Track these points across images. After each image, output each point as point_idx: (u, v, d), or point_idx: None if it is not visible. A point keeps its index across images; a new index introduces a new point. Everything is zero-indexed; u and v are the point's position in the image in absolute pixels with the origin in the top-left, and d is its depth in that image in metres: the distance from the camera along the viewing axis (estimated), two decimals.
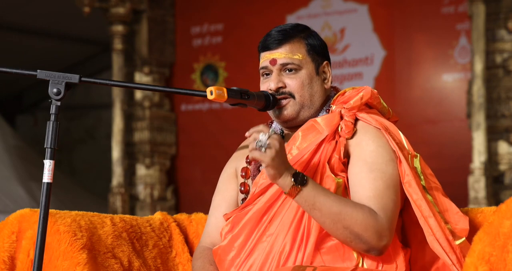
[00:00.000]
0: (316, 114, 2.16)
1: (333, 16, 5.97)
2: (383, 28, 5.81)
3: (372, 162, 2.01)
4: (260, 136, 1.89)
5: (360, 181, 2.00)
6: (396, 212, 2.00)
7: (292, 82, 2.13)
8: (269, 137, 1.88)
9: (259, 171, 2.16)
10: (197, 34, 6.54)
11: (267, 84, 2.14)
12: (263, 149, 1.87)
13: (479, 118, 5.15)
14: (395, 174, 2.02)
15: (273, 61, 2.14)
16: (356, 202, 1.97)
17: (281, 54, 2.13)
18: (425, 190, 2.03)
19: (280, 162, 1.89)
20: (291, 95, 2.13)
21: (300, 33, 2.16)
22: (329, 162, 2.03)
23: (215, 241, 2.20)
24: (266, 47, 2.16)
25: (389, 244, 1.97)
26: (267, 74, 2.17)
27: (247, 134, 1.93)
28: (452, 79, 5.64)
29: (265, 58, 2.16)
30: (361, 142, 2.05)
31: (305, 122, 2.14)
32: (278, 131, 2.21)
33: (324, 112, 2.16)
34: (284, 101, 2.13)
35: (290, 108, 2.13)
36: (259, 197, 2.06)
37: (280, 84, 2.13)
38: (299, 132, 2.09)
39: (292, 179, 1.90)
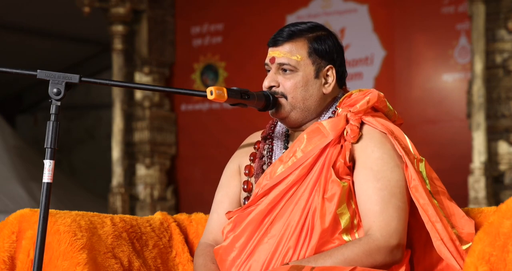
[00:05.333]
0: (313, 116, 2.16)
1: (333, 16, 5.96)
2: (383, 28, 5.81)
3: (377, 169, 2.01)
4: None
5: (366, 190, 2.01)
6: (404, 218, 2.00)
7: (285, 83, 2.14)
8: None
9: (263, 169, 2.17)
10: (197, 34, 6.53)
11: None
12: None
13: (479, 118, 5.15)
14: (401, 180, 2.02)
15: (272, 59, 2.16)
16: (350, 242, 1.97)
17: (281, 53, 2.14)
18: (431, 194, 2.03)
19: None
20: (283, 96, 2.14)
21: (308, 33, 2.16)
22: (334, 165, 2.03)
23: (217, 238, 2.20)
24: (271, 43, 2.18)
25: (403, 251, 1.99)
26: (268, 71, 2.18)
27: None
28: (452, 79, 5.63)
29: (268, 55, 2.18)
30: (366, 148, 2.05)
31: (300, 123, 2.16)
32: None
33: (330, 114, 2.16)
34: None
35: (281, 108, 2.14)
36: (262, 198, 2.07)
37: (273, 83, 2.15)
38: (304, 135, 2.09)
39: None
